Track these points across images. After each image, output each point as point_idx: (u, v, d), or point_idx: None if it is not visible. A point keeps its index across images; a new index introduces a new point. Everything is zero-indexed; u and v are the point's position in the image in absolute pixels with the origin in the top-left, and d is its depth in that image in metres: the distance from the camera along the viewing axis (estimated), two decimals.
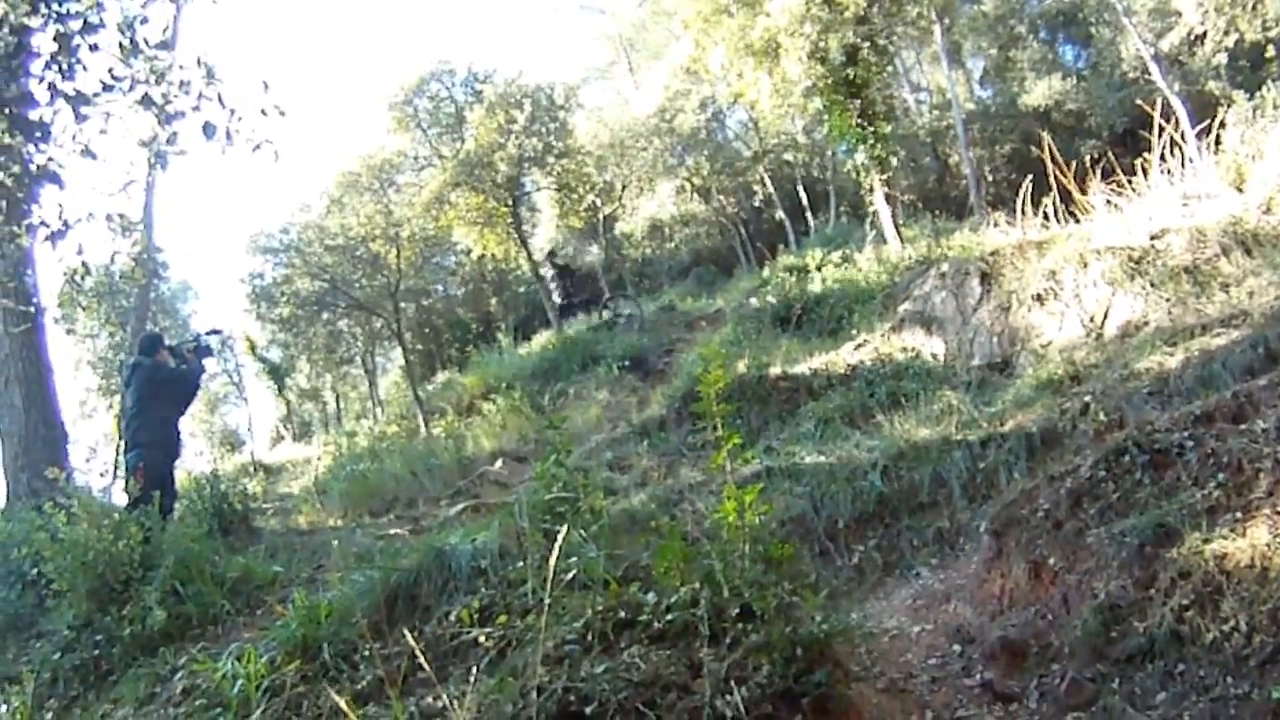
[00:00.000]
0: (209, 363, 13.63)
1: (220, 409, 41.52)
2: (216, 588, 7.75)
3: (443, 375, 27.47)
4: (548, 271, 27.14)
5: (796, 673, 3.97)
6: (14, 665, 7.84)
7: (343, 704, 4.07)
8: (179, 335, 25.53)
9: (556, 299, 25.89)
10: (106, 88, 7.86)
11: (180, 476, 12.78)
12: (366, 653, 5.03)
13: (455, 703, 4.06)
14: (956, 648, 5.29)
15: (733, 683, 3.80)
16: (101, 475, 18.33)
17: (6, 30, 7.64)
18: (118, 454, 12.31)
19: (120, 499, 11.56)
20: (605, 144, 30.07)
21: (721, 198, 33.32)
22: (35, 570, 9.25)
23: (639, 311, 23.14)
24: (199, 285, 65.68)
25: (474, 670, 4.39)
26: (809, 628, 4.22)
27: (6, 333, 15.60)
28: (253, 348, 33.38)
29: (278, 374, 32.93)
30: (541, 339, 25.44)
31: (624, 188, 30.91)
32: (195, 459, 35.13)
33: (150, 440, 11.01)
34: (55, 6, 7.69)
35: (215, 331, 13.98)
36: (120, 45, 7.94)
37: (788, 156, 32.65)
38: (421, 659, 4.18)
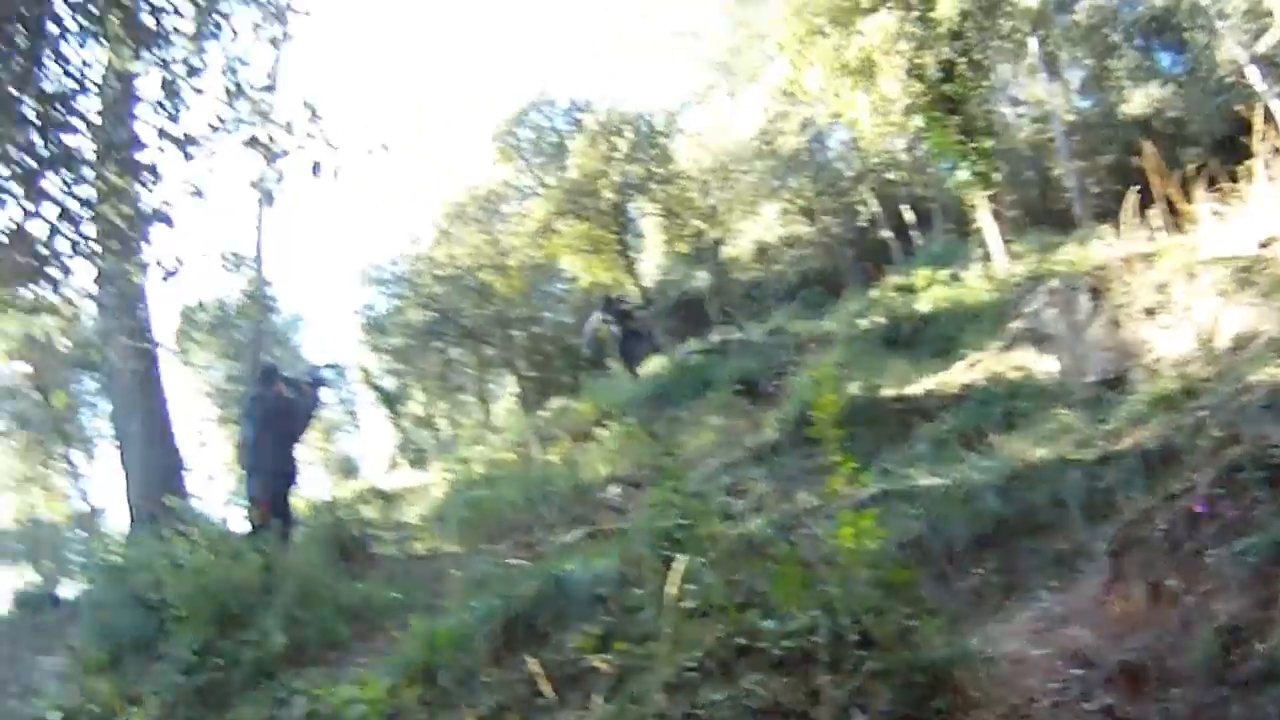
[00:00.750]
0: (325, 393, 13.87)
1: (336, 436, 42.14)
2: (336, 613, 7.90)
3: (556, 402, 27.57)
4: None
5: (916, 699, 3.94)
6: (136, 687, 8.03)
7: None
8: (292, 366, 26.00)
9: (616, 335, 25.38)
10: (213, 129, 8.06)
11: (298, 504, 12.99)
12: (485, 679, 5.08)
13: None
14: (1076, 672, 5.21)
15: (852, 710, 3.78)
16: (223, 504, 18.75)
17: (112, 76, 7.88)
18: (237, 482, 12.57)
19: (240, 526, 11.79)
20: (707, 168, 30.12)
21: (826, 218, 33.14)
22: (158, 596, 9.47)
23: (745, 335, 23.07)
24: (311, 316, 66.61)
25: (593, 697, 4.43)
26: (928, 654, 4.20)
27: (124, 367, 16.04)
28: (367, 377, 33.86)
29: (392, 402, 33.43)
30: (654, 364, 25.47)
31: (728, 211, 30.86)
32: (313, 486, 35.77)
33: (269, 469, 11.26)
34: (159, 52, 7.89)
35: (332, 365, 14.29)
36: (225, 88, 8.13)
37: (890, 175, 32.30)
38: (536, 686, 4.23)
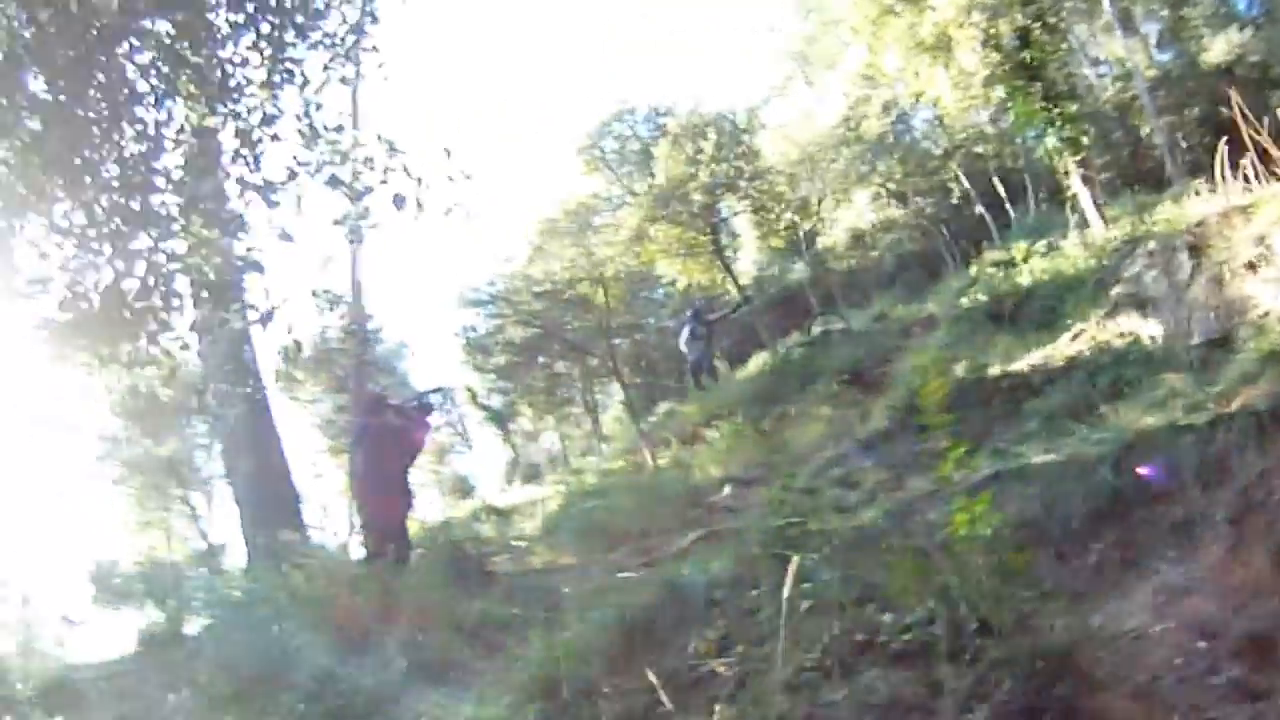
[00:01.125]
0: (433, 418, 14.02)
1: (448, 458, 42.58)
2: (455, 633, 7.95)
3: (663, 406, 27.62)
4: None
5: (1039, 687, 3.87)
6: (262, 717, 8.16)
7: None
8: (399, 393, 26.35)
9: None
10: (292, 174, 8.18)
11: (414, 527, 13.14)
12: (606, 690, 5.09)
13: None
14: (1201, 644, 5.10)
15: (974, 701, 3.72)
16: (334, 534, 19.08)
17: (189, 133, 8.06)
18: (352, 511, 12.76)
19: (357, 553, 11.94)
20: (795, 160, 29.99)
21: (918, 200, 32.83)
22: (277, 627, 9.65)
23: (846, 324, 22.97)
24: (414, 342, 67.35)
25: (715, 702, 4.42)
26: (1049, 638, 4.13)
27: (230, 409, 16.40)
28: (474, 397, 34.21)
29: (500, 420, 33.77)
30: (758, 361, 25.39)
31: (820, 201, 30.70)
32: (428, 508, 36.20)
33: (382, 495, 11.37)
34: (232, 105, 8.03)
35: (437, 390, 14.50)
36: (299, 132, 8.26)
37: (978, 149, 31.85)
38: (661, 693, 4.24)
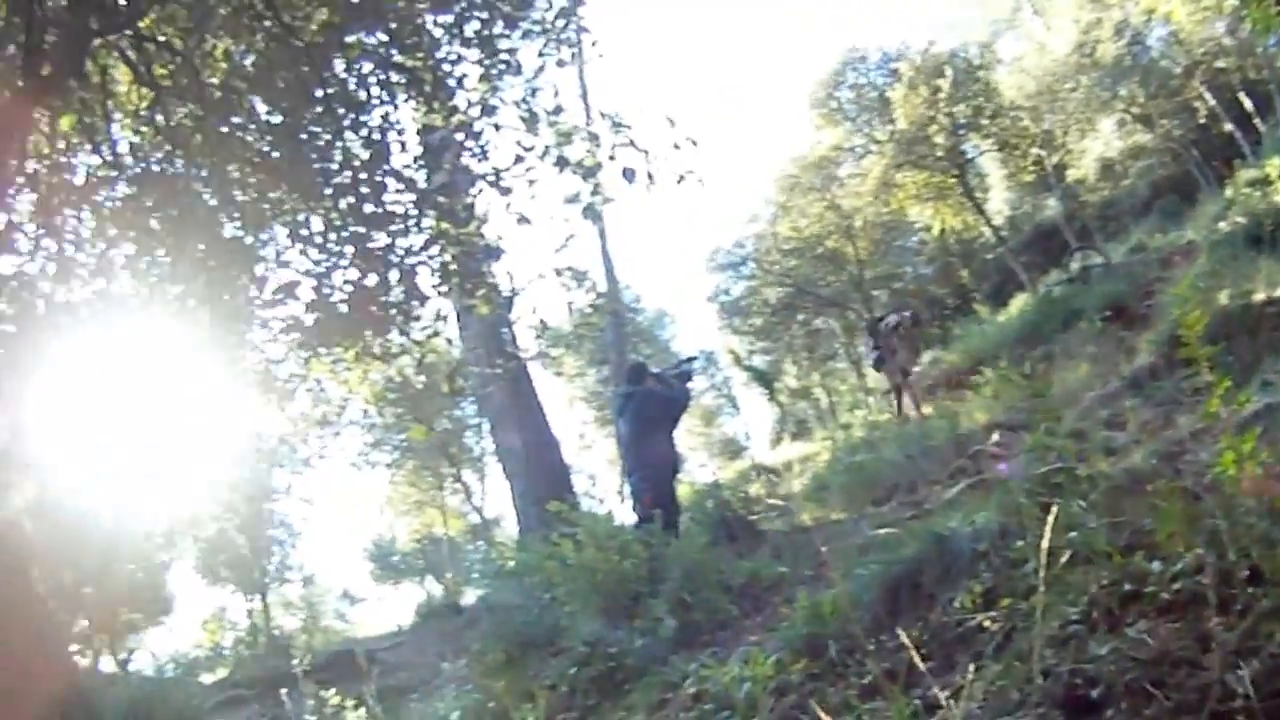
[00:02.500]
0: (693, 384, 14.20)
1: (716, 421, 43.05)
2: (723, 593, 8.05)
3: (927, 355, 27.37)
4: None
5: None
6: (534, 682, 8.42)
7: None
8: (663, 361, 26.75)
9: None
10: (517, 159, 8.39)
11: (683, 490, 13.31)
12: (871, 647, 5.09)
13: (960, 693, 4.05)
14: None
15: (1242, 656, 3.56)
16: (600, 501, 19.45)
17: (412, 133, 8.38)
18: (620, 479, 12.98)
19: (627, 520, 12.14)
20: (1033, 93, 29.18)
21: (1164, 122, 31.55)
22: (548, 595, 9.94)
23: (1105, 258, 22.36)
24: (674, 308, 68.01)
25: (980, 658, 4.39)
26: None
27: (493, 388, 16.93)
28: (737, 359, 34.47)
29: (765, 379, 33.91)
30: (1018, 302, 24.92)
31: (1064, 133, 29.83)
32: (698, 470, 36.69)
33: (649, 462, 11.56)
34: (448, 101, 8.28)
35: (694, 358, 14.60)
36: (520, 119, 8.46)
37: (1219, 64, 30.23)
38: (923, 650, 4.22)
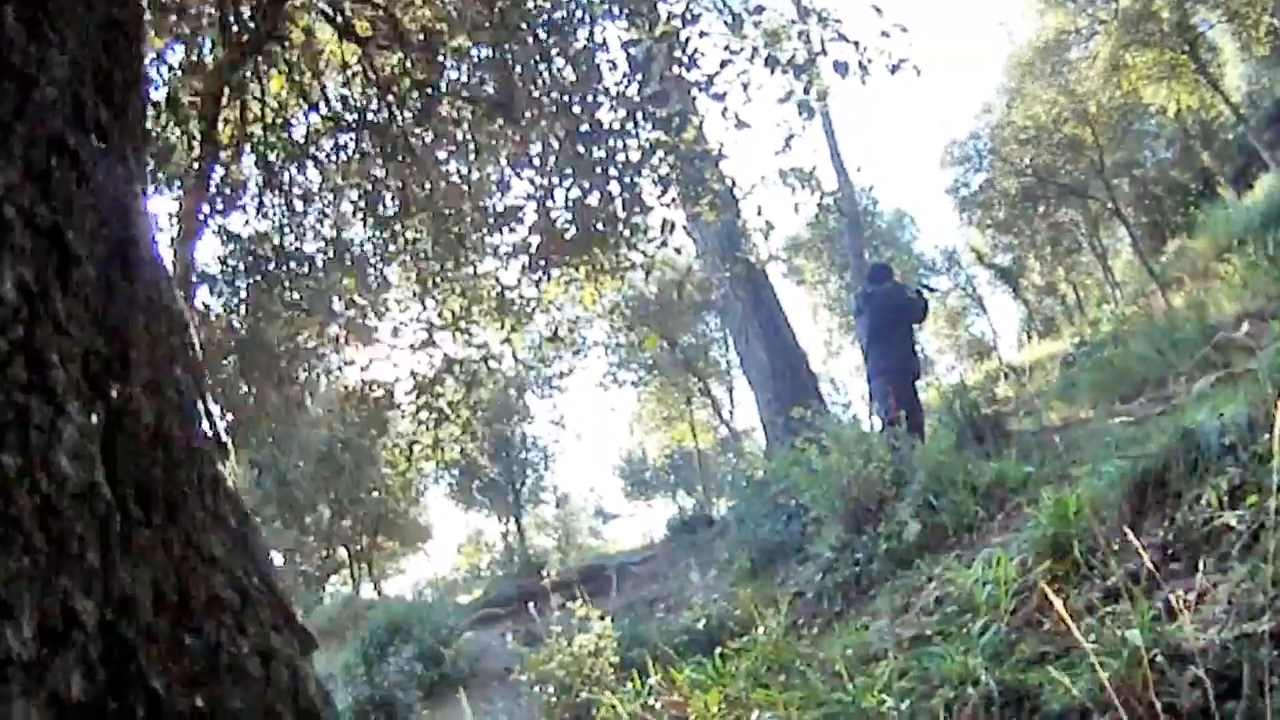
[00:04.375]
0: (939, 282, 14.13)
1: (963, 322, 42.41)
2: (969, 495, 7.91)
3: (1173, 244, 26.30)
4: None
5: None
6: (782, 588, 8.46)
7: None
8: (903, 264, 26.41)
9: None
10: (724, 64, 8.29)
11: (929, 393, 13.19)
12: (1116, 547, 4.94)
13: (1204, 597, 3.88)
14: None
15: None
16: (846, 407, 19.39)
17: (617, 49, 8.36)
18: (865, 383, 12.94)
19: (872, 424, 12.10)
20: None
21: None
22: (794, 502, 9.97)
23: None
24: (912, 208, 66.67)
25: (1225, 559, 4.20)
26: None
27: (736, 297, 16.99)
28: (979, 256, 33.74)
29: (1009, 276, 33.18)
30: (1265, 182, 23.68)
31: None
32: (946, 372, 36.23)
33: (891, 365, 11.48)
34: (651, 12, 8.21)
35: (933, 289, 14.50)
36: (724, 23, 8.34)
37: None
38: (1168, 550, 4.06)
